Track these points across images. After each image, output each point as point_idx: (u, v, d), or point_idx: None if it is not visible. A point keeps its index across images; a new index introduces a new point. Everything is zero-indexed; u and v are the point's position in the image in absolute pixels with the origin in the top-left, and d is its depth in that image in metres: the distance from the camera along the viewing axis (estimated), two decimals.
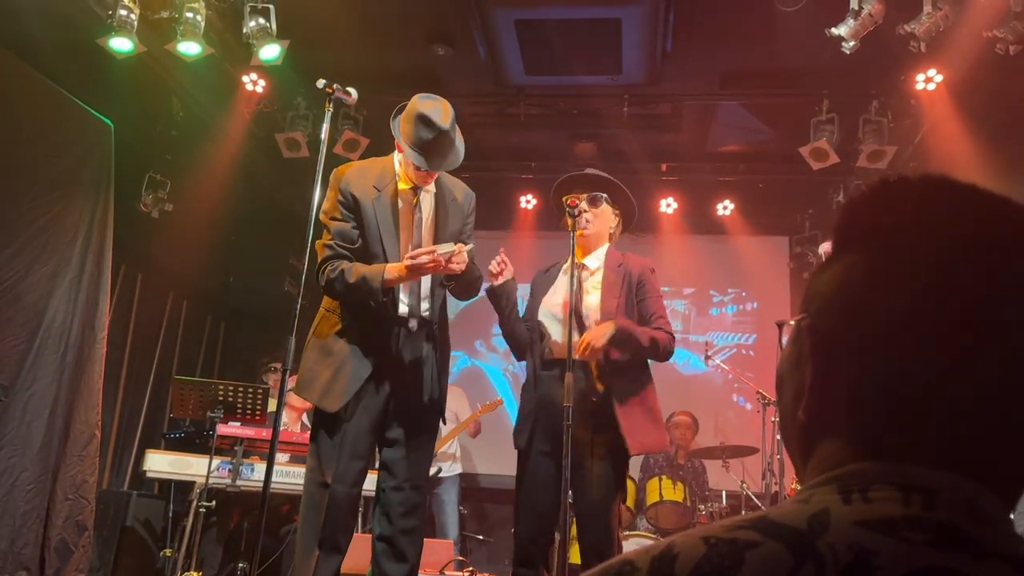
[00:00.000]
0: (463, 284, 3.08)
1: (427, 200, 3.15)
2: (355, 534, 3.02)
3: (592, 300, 3.17)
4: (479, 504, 7.03)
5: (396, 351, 3.01)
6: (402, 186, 3.11)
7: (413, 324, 3.03)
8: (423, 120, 2.96)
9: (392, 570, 2.91)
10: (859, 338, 0.63)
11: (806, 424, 0.66)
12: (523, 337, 3.27)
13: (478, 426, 6.27)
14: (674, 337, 3.17)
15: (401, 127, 3.04)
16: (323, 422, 2.96)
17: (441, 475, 6.07)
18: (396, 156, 3.17)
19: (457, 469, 6.28)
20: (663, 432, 3.23)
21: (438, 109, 3.00)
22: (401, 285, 2.99)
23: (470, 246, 2.97)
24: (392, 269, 2.90)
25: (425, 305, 3.06)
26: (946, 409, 0.60)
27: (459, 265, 2.87)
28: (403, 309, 3.02)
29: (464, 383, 7.04)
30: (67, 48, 4.81)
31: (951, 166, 5.31)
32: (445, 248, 2.86)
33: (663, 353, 3.12)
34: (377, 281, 2.88)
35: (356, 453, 2.91)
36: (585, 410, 3.00)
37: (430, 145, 2.97)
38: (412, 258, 2.82)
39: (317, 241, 3.06)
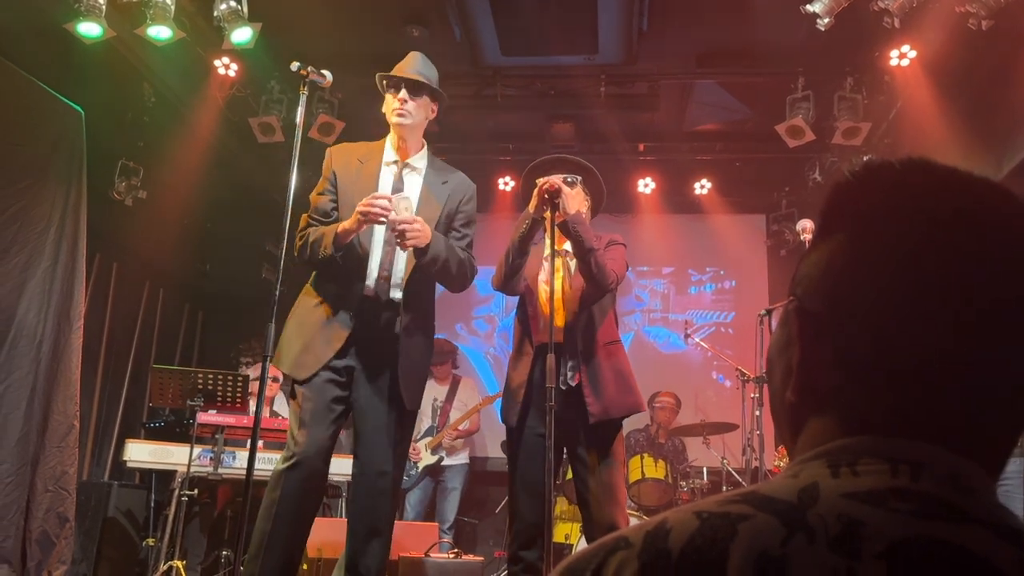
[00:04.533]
0: (437, 268, 3.02)
1: (412, 178, 3.17)
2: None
3: (576, 282, 3.21)
4: (482, 488, 6.99)
5: (368, 331, 3.00)
6: (387, 160, 3.16)
7: (385, 305, 3.01)
8: (404, 58, 3.16)
9: (359, 554, 2.95)
10: (844, 317, 0.65)
11: (795, 404, 0.68)
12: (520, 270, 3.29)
13: (476, 425, 6.32)
14: (617, 278, 3.19)
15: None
16: (292, 397, 2.99)
17: (443, 463, 6.13)
18: (388, 139, 3.22)
19: (463, 459, 6.29)
20: (631, 396, 3.20)
21: (423, 55, 3.21)
22: (373, 265, 3.01)
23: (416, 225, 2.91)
24: (346, 221, 2.95)
25: (397, 287, 3.04)
26: (930, 383, 0.61)
27: (411, 238, 2.87)
28: (371, 289, 3.01)
29: None
30: (34, 33, 4.71)
31: (925, 141, 5.35)
32: (402, 204, 2.88)
33: (596, 267, 3.07)
34: (331, 233, 2.95)
35: (320, 422, 2.91)
36: (569, 391, 3.05)
37: (400, 65, 3.15)
38: (366, 203, 2.86)
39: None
